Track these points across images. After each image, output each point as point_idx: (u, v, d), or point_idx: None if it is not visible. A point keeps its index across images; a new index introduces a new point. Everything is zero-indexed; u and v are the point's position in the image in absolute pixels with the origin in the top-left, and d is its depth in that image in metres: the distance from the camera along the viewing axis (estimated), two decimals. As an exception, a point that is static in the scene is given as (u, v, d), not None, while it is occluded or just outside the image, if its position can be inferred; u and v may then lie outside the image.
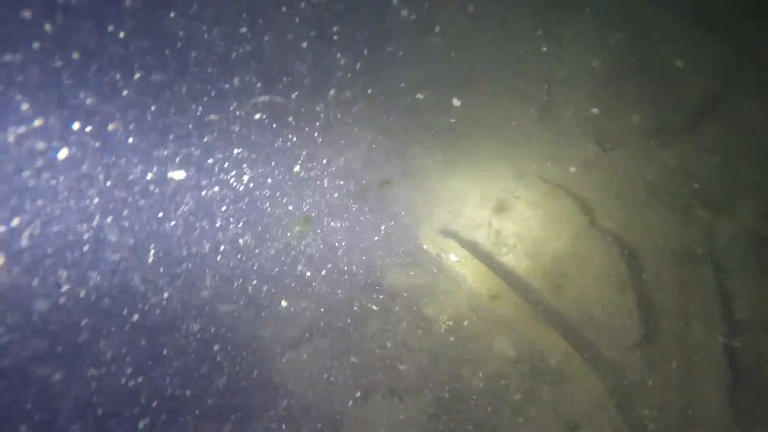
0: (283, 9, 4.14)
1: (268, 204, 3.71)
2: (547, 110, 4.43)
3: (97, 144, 3.22)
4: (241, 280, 3.50)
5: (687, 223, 3.77)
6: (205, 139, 3.50)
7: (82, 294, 3.17)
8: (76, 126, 3.18)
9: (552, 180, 4.14)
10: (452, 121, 4.38)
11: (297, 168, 3.86)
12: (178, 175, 3.38)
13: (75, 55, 3.17)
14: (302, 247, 3.69)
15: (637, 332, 3.52)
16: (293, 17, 4.36)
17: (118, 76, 3.37)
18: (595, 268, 3.73)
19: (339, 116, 4.18)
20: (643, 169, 4.14)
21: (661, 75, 4.42)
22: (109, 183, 3.18)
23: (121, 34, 3.42)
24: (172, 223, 3.33)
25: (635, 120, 4.34)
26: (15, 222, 2.98)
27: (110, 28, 3.29)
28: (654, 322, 3.54)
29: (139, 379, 3.10)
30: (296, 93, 4.04)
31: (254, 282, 3.50)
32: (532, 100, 4.44)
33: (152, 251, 3.24)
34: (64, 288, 3.06)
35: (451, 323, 3.56)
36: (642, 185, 4.06)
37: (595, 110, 4.41)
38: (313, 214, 3.63)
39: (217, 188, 3.47)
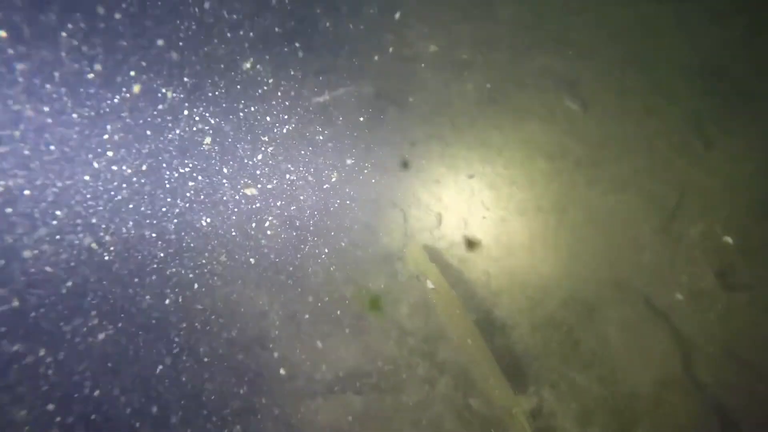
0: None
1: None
2: (671, 221, 3.87)
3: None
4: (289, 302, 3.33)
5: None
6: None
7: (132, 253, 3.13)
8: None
9: (654, 303, 3.61)
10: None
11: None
12: (251, 191, 3.27)
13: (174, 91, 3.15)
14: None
15: None
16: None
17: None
18: (675, 423, 3.20)
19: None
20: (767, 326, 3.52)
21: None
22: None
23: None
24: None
25: (774, 267, 3.70)
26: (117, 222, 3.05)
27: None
28: None
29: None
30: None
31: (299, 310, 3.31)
32: (659, 205, 3.90)
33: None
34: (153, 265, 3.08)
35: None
36: (762, 344, 3.45)
37: (729, 239, 3.80)
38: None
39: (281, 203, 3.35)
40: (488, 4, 4.43)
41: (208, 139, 3.30)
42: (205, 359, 3.16)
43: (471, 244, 3.70)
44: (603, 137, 4.09)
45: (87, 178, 3.06)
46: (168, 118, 3.23)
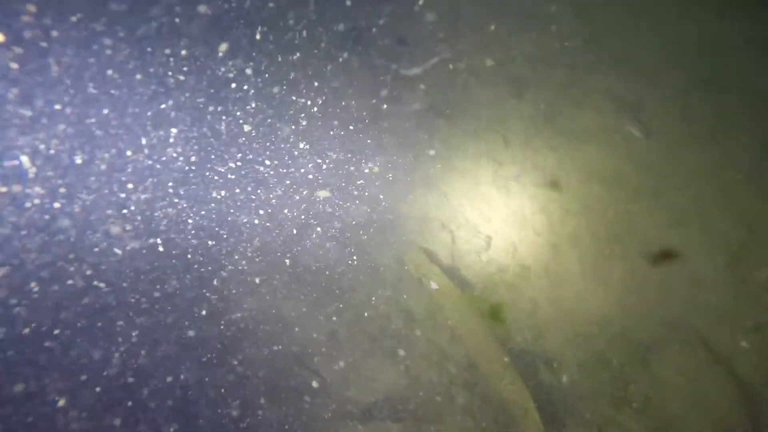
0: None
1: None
2: (736, 260, 3.60)
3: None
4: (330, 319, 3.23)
5: None
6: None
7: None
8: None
9: (715, 348, 3.35)
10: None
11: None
12: (323, 194, 3.20)
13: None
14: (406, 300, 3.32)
15: None
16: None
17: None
18: (736, 483, 2.95)
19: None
20: (843, 384, 3.21)
21: None
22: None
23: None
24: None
25: None
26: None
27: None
28: None
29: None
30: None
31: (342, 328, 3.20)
32: (723, 241, 3.63)
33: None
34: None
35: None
36: (836, 405, 3.14)
37: (802, 285, 3.50)
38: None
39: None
40: (546, 19, 4.26)
41: (247, 127, 3.22)
42: (233, 371, 3.08)
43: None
44: (665, 165, 3.85)
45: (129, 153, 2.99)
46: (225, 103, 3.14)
